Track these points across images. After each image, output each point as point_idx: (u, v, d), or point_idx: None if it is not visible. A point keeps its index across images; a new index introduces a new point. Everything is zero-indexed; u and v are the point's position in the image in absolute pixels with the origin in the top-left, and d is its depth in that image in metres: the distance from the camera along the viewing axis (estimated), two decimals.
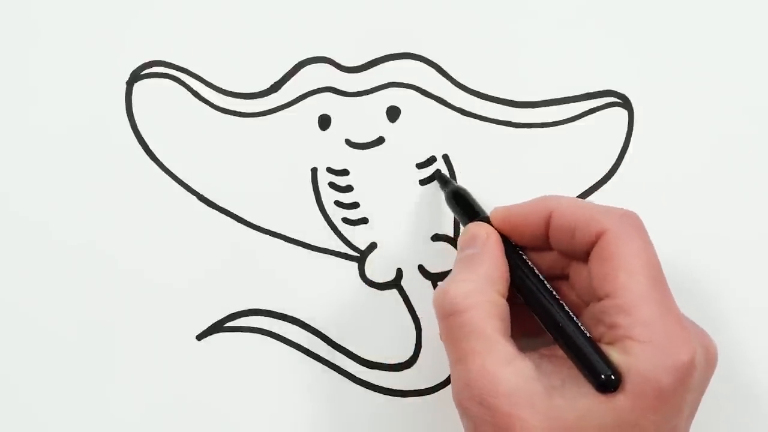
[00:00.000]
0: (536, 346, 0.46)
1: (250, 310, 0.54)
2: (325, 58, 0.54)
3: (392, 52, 0.53)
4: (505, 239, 0.47)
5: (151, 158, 0.54)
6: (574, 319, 0.44)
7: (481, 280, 0.45)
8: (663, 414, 0.42)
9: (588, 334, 0.44)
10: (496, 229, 0.48)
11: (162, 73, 0.54)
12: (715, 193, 0.53)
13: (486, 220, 0.48)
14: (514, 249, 0.47)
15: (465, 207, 0.50)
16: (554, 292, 0.46)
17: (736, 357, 0.53)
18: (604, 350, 0.43)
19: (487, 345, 0.43)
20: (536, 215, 0.46)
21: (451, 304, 0.44)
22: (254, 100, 0.54)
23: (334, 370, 0.54)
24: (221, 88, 0.54)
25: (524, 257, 0.47)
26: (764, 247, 0.53)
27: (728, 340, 0.53)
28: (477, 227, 0.48)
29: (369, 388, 0.54)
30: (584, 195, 0.53)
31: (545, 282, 0.46)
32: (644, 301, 0.43)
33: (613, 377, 0.42)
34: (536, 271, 0.47)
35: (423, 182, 0.53)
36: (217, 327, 0.54)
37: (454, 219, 0.53)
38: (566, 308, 0.45)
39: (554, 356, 0.44)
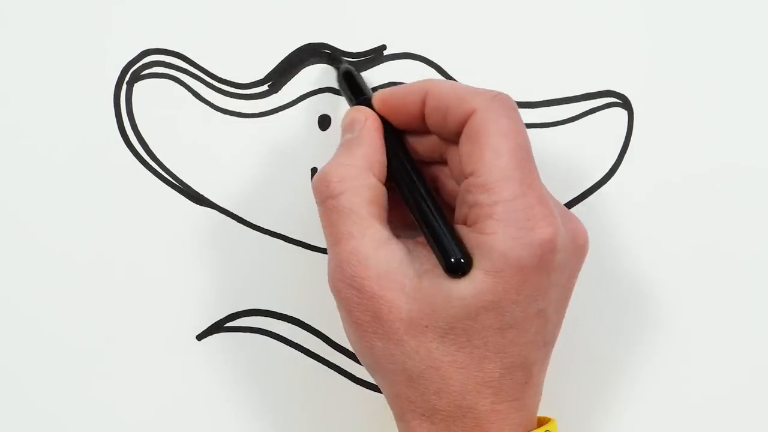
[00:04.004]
0: (415, 234, 0.46)
1: (250, 310, 0.54)
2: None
3: (392, 52, 0.53)
4: (386, 123, 0.47)
5: (151, 158, 0.54)
6: (433, 202, 0.44)
7: (358, 164, 0.45)
8: (526, 294, 0.42)
9: (445, 218, 0.44)
10: (377, 112, 0.48)
11: (162, 74, 0.54)
12: (714, 193, 0.53)
13: (368, 102, 0.48)
14: (391, 132, 0.47)
15: (352, 87, 0.50)
16: (419, 175, 0.46)
17: (732, 354, 0.53)
18: (463, 232, 0.43)
19: (360, 228, 0.44)
20: (413, 97, 0.46)
21: (327, 187, 0.45)
22: (254, 100, 0.54)
23: (334, 370, 0.54)
24: (221, 89, 0.54)
25: (400, 141, 0.47)
26: (764, 247, 0.53)
27: (725, 332, 0.53)
28: (356, 111, 0.48)
29: (369, 388, 0.54)
30: (584, 195, 0.53)
31: (413, 164, 0.46)
32: (507, 179, 0.42)
33: (462, 260, 0.42)
34: (408, 155, 0.47)
35: None
36: (217, 327, 0.54)
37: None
38: (426, 191, 0.45)
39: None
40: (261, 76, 0.54)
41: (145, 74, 0.54)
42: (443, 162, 0.47)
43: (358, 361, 0.53)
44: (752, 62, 0.54)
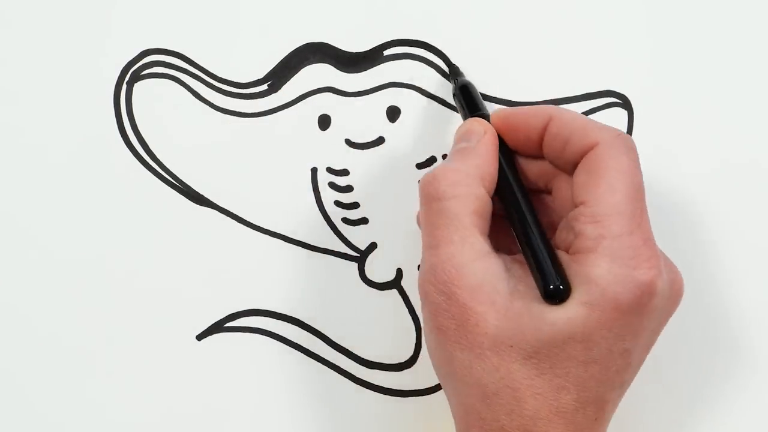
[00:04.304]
0: (515, 251, 0.46)
1: (250, 310, 0.54)
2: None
3: (392, 53, 0.53)
4: (501, 140, 0.47)
5: (151, 158, 0.54)
6: (538, 224, 0.44)
7: (470, 172, 0.45)
8: (616, 332, 0.42)
9: (548, 242, 0.44)
10: (494, 128, 0.48)
11: (162, 73, 0.54)
12: (714, 194, 0.53)
13: (486, 117, 0.48)
14: (505, 149, 0.47)
15: (468, 101, 0.50)
16: (526, 196, 0.46)
17: (735, 357, 0.53)
18: (566, 260, 0.43)
19: (462, 236, 0.44)
20: (536, 119, 0.46)
21: (436, 189, 0.45)
22: (254, 100, 0.54)
23: (334, 370, 0.54)
24: (221, 88, 0.54)
25: (512, 159, 0.47)
26: (764, 248, 0.53)
27: (726, 332, 0.53)
28: (476, 123, 0.48)
29: (369, 388, 0.54)
30: None
31: (522, 184, 0.46)
32: (618, 214, 0.42)
33: (561, 287, 0.42)
34: (518, 174, 0.47)
35: None
36: (217, 327, 0.54)
37: None
38: (532, 212, 0.45)
39: (526, 263, 0.45)
40: (261, 75, 0.54)
41: (145, 74, 0.54)
42: (547, 191, 0.48)
43: (358, 361, 0.53)
44: (752, 62, 0.54)
